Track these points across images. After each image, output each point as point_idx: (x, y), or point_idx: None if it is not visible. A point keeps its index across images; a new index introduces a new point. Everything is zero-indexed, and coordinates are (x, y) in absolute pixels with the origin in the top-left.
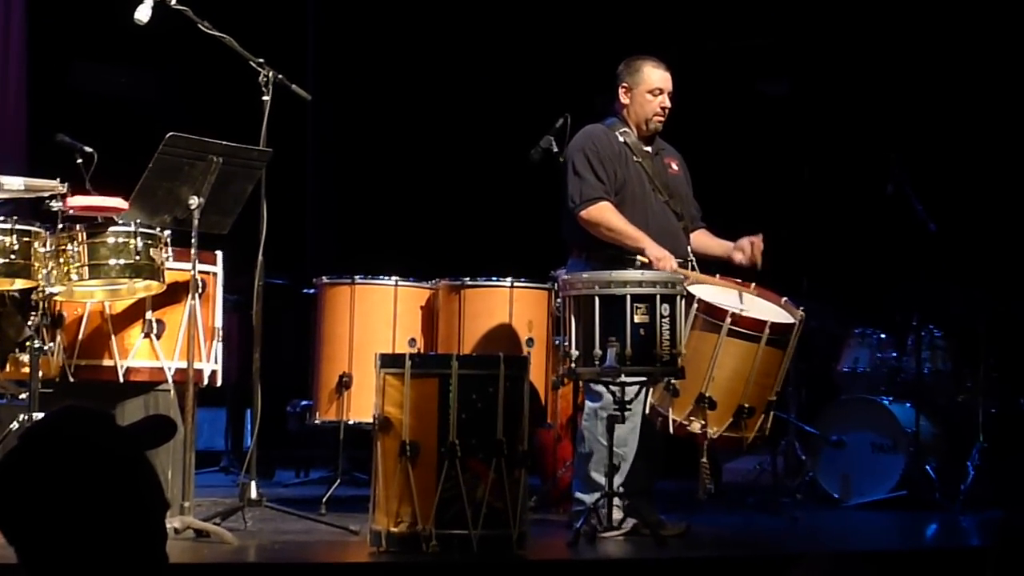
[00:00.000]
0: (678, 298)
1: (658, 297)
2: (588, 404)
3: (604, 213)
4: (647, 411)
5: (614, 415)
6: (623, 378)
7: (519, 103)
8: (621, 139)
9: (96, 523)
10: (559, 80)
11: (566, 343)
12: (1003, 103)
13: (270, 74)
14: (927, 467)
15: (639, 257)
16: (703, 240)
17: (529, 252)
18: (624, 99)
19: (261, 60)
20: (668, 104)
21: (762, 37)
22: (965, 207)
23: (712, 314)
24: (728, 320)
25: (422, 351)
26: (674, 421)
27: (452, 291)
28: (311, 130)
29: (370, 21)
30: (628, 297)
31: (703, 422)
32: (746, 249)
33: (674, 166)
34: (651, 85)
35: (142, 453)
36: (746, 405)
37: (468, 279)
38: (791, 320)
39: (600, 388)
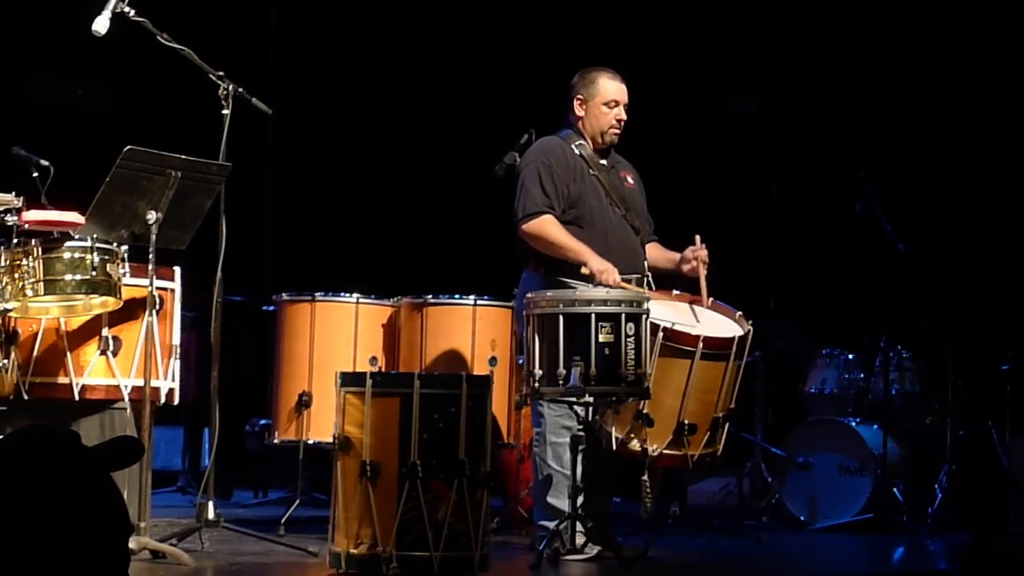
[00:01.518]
0: (643, 317)
1: (623, 316)
2: (535, 429)
3: (544, 226)
4: (596, 429)
5: (577, 436)
6: (587, 398)
7: (483, 118)
8: (577, 152)
9: (61, 544)
10: (524, 96)
11: (530, 362)
12: (973, 123)
13: (230, 87)
14: (895, 489)
15: (582, 270)
16: (653, 253)
17: (493, 270)
18: (579, 111)
19: (221, 73)
20: (624, 116)
21: (731, 53)
22: (934, 227)
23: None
24: (660, 335)
25: (383, 369)
26: (617, 439)
27: (414, 309)
28: (271, 145)
29: (332, 36)
30: (593, 316)
31: (643, 439)
32: (690, 260)
33: (630, 179)
34: (607, 97)
35: (108, 474)
36: (686, 422)
37: (431, 297)
38: (731, 334)
39: (543, 409)
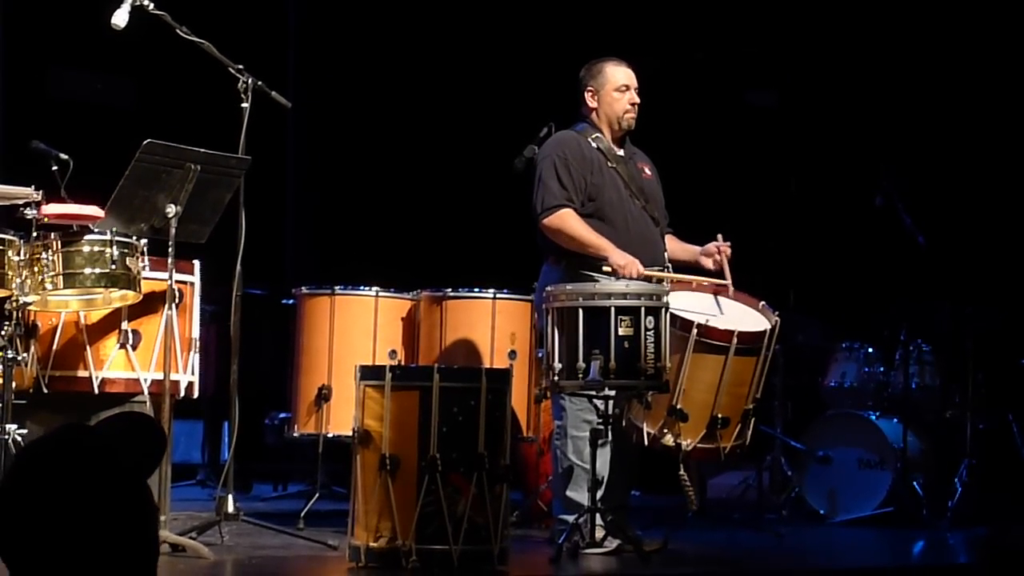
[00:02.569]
0: (663, 311)
1: (643, 309)
2: (555, 422)
3: (565, 220)
4: (623, 424)
5: (597, 430)
6: (607, 391)
7: (503, 112)
8: (594, 144)
9: (94, 543)
10: (544, 89)
11: (549, 356)
12: (992, 116)
13: (249, 81)
14: (914, 483)
15: (604, 266)
16: (671, 245)
17: (512, 263)
18: (591, 102)
19: (241, 66)
20: (637, 100)
21: (750, 46)
22: (954, 220)
23: (679, 326)
24: (694, 332)
25: (403, 363)
26: (649, 434)
27: (434, 302)
28: (291, 138)
29: (352, 28)
30: (612, 309)
31: (677, 434)
32: (714, 255)
33: (647, 171)
34: (616, 83)
35: (140, 475)
36: (719, 415)
37: (450, 290)
38: (762, 327)
39: (564, 403)
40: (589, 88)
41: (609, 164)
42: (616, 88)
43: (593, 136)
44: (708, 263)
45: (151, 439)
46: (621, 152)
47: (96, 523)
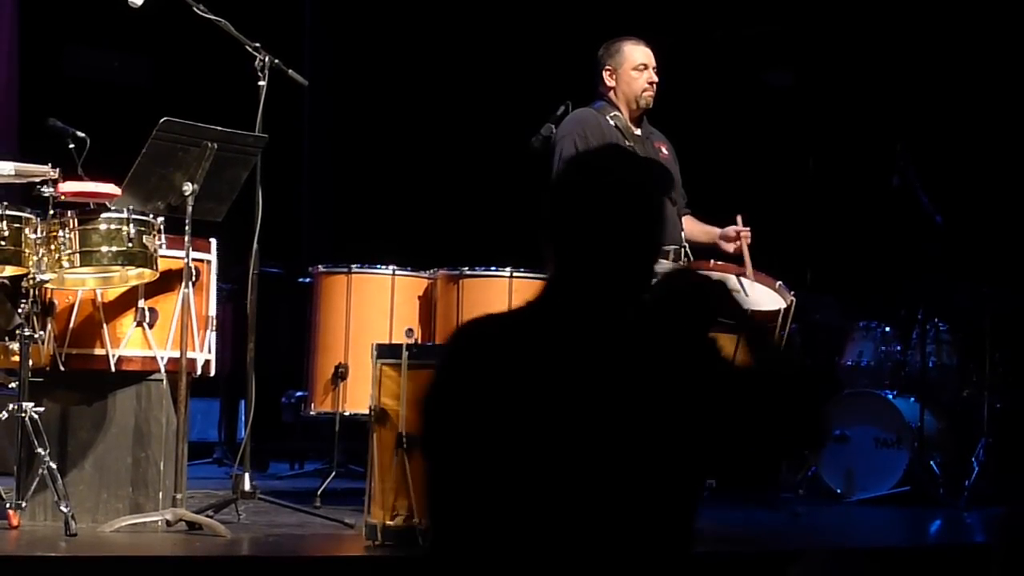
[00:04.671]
0: None
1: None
2: None
3: None
4: None
5: None
6: None
7: (520, 90)
8: (612, 123)
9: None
10: (560, 67)
11: None
12: (1011, 95)
13: (266, 59)
14: (931, 462)
15: None
16: (690, 226)
17: (529, 242)
18: (610, 81)
19: (257, 44)
20: (655, 79)
21: (767, 26)
22: (972, 200)
23: None
24: None
25: (419, 342)
26: None
27: (450, 281)
28: (307, 116)
29: (368, 6)
30: None
31: None
32: (734, 240)
33: (664, 150)
34: (635, 62)
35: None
36: None
37: (466, 269)
38: (776, 307)
39: None
40: (607, 67)
41: (627, 143)
42: (634, 67)
43: (611, 115)
44: (728, 247)
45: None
46: (638, 131)
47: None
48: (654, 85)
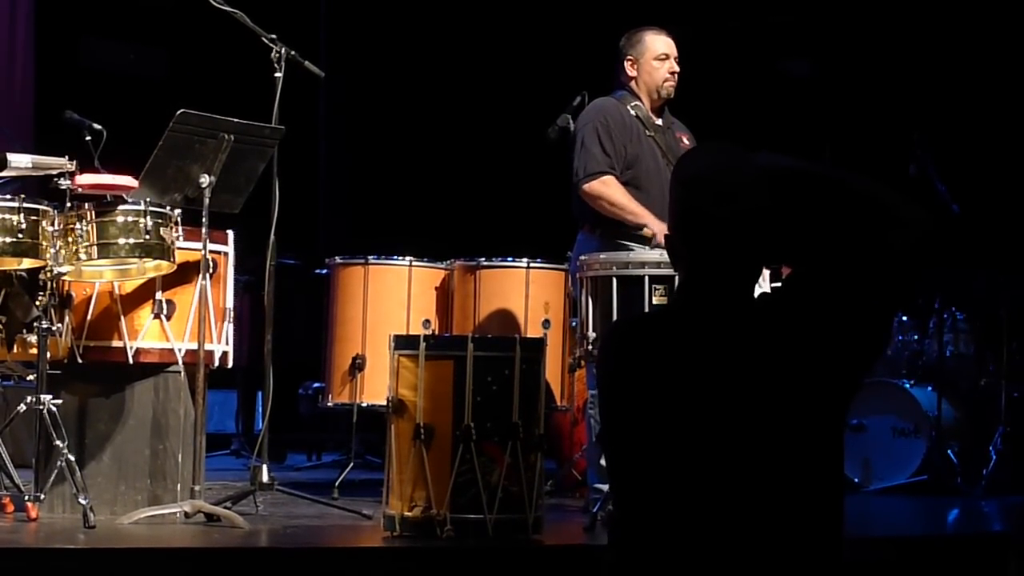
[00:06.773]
0: None
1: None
2: (589, 391)
3: (607, 187)
4: None
5: None
6: None
7: (536, 80)
8: (632, 112)
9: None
10: (577, 58)
11: (583, 325)
12: None
13: (282, 50)
14: (949, 452)
15: (644, 231)
16: None
17: (546, 232)
18: (631, 71)
19: (273, 36)
20: (676, 69)
21: (784, 15)
22: (989, 189)
23: None
24: None
25: (436, 333)
26: None
27: (467, 272)
28: (324, 108)
29: None
30: (647, 278)
31: None
32: None
33: (685, 140)
34: (656, 52)
35: None
36: None
37: (483, 259)
38: None
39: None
40: (629, 57)
41: (647, 133)
42: (656, 57)
43: (632, 104)
44: None
45: None
46: (659, 121)
47: None
48: (675, 75)
